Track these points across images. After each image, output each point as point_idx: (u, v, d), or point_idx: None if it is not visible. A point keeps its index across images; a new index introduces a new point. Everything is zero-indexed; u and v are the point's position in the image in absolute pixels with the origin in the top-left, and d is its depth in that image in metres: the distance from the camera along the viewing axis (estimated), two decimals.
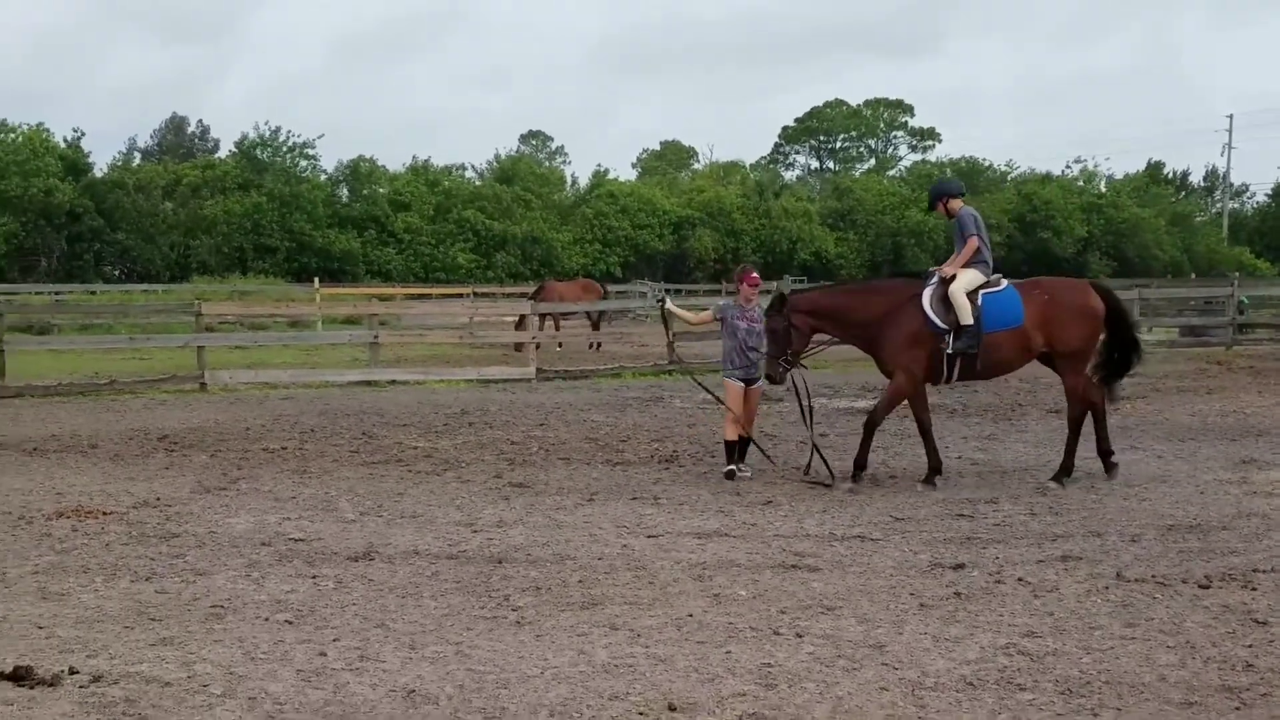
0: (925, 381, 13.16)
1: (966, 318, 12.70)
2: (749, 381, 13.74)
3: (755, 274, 14.12)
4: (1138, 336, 13.55)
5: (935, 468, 12.95)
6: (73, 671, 6.60)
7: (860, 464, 12.94)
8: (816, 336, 13.45)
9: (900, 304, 12.97)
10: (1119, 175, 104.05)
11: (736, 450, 13.63)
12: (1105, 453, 13.13)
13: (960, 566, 9.03)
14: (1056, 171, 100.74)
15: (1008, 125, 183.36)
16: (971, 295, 12.85)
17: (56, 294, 50.42)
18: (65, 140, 64.64)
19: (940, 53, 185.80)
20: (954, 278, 12.96)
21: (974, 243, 13.20)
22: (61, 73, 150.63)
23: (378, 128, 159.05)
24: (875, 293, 13.35)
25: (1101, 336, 13.20)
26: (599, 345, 34.28)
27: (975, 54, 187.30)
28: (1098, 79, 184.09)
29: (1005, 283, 13.17)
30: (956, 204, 13.70)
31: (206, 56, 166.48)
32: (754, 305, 13.85)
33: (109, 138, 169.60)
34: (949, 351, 12.76)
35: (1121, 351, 13.34)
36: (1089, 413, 13.15)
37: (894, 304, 13.01)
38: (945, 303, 12.79)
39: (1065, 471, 12.88)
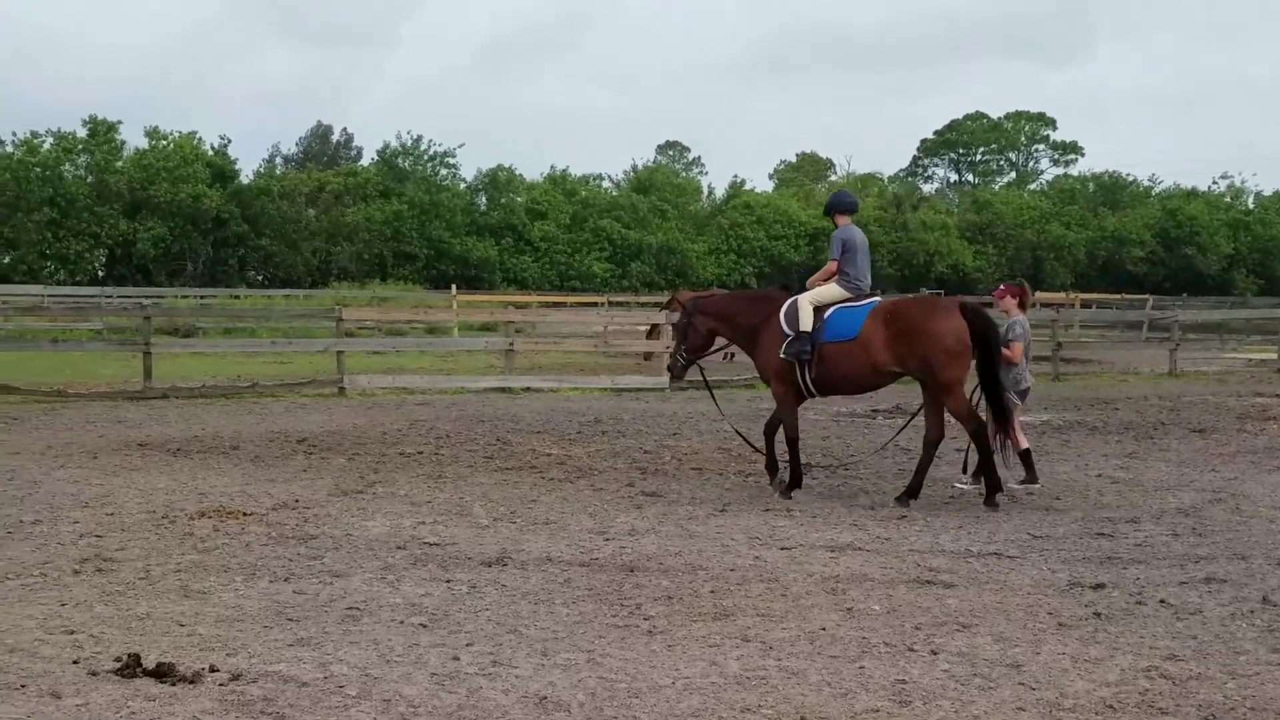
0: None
1: (801, 326, 12.84)
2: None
3: (1002, 287, 14.50)
4: (997, 375, 12.64)
5: (795, 480, 13.09)
6: (213, 669, 6.70)
7: (772, 469, 13.38)
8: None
9: (771, 313, 13.23)
10: (1267, 191, 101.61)
11: (1025, 461, 13.64)
12: (990, 483, 12.50)
13: (1100, 586, 8.84)
14: (1202, 187, 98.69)
15: (1153, 138, 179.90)
16: (821, 309, 12.93)
17: (201, 298, 51.59)
18: (213, 147, 66.14)
19: (1086, 61, 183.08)
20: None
21: (831, 266, 13.21)
22: (209, 78, 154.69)
23: (517, 136, 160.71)
24: (758, 301, 13.76)
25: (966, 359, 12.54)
26: (732, 355, 34.15)
27: (1121, 63, 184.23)
28: (1247, 91, 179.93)
29: (868, 301, 12.99)
30: (841, 220, 13.41)
31: (350, 64, 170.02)
32: (1013, 318, 13.89)
33: (253, 142, 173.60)
34: (781, 355, 12.95)
35: (984, 383, 12.74)
36: (976, 435, 12.65)
37: (768, 313, 13.29)
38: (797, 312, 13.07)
39: (994, 488, 12.47)
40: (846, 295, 13.00)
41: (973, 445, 13.22)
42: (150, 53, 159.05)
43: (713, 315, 13.78)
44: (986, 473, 12.54)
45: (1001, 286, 14.62)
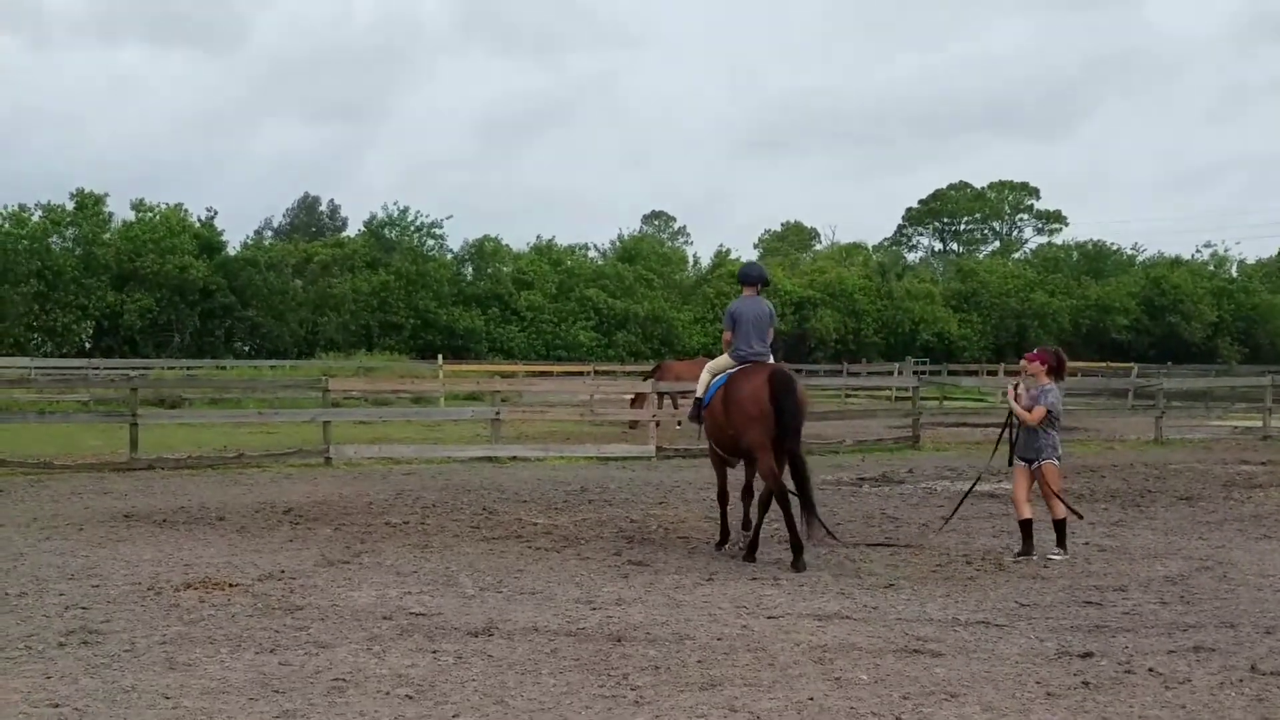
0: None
1: (698, 393, 14.20)
2: (1027, 461, 13.58)
3: (1034, 352, 14.22)
4: (794, 448, 12.90)
5: (723, 536, 14.01)
6: None
7: (724, 533, 14.04)
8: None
9: None
10: (1250, 260, 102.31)
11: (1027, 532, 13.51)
12: (793, 545, 12.84)
13: (1088, 655, 8.83)
14: (1186, 256, 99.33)
15: (1138, 209, 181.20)
16: (715, 377, 13.93)
17: (188, 369, 51.59)
18: (199, 219, 66.35)
19: (1071, 137, 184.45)
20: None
21: (726, 336, 14.03)
22: (202, 154, 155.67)
23: (504, 208, 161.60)
24: (699, 367, 15.08)
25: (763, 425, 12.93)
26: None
27: (1107, 138, 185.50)
28: (1233, 166, 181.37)
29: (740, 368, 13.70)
30: (746, 291, 14.21)
31: (344, 141, 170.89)
32: (1044, 385, 13.64)
33: (247, 217, 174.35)
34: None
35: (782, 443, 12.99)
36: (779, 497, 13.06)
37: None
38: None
39: (747, 548, 13.27)
40: (731, 364, 13.76)
41: (1056, 517, 13.42)
42: (142, 129, 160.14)
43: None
44: (790, 534, 13.00)
45: (1036, 350, 14.41)
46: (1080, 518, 14.23)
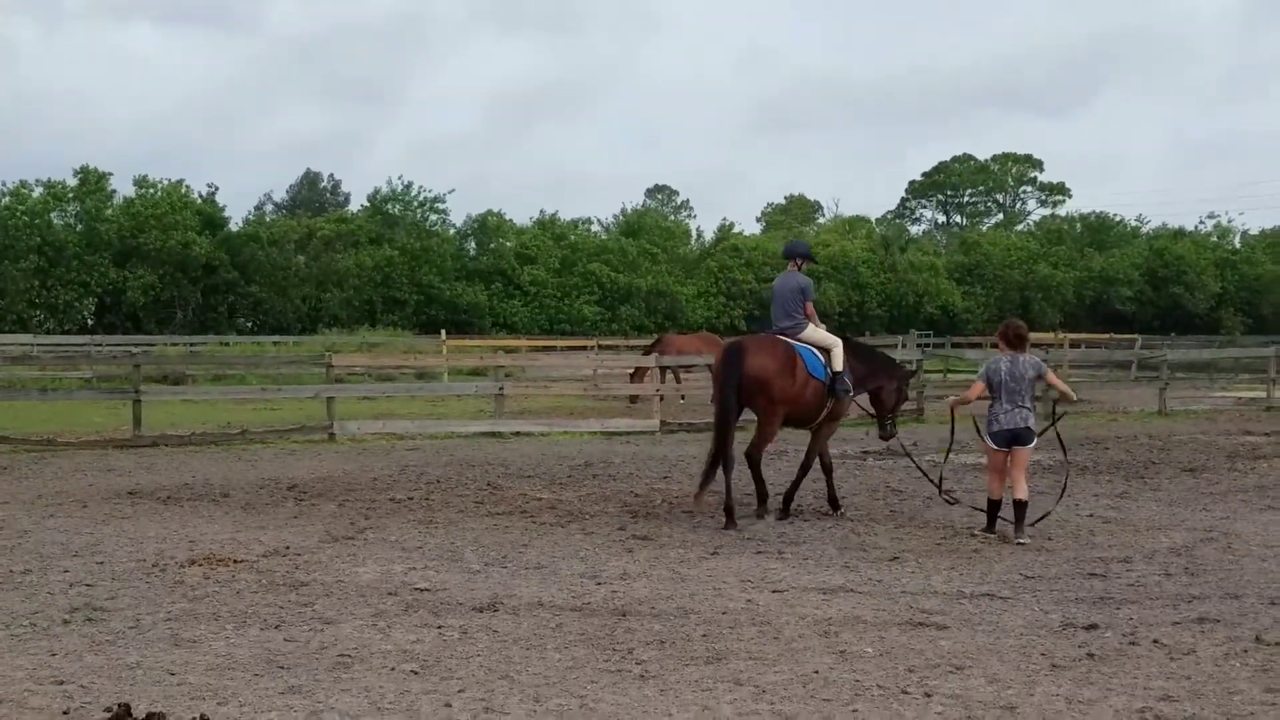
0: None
1: None
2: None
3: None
4: (739, 404, 14.05)
5: (760, 499, 14.55)
6: (204, 718, 6.67)
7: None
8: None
9: None
10: (1254, 231, 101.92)
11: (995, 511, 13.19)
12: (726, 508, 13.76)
13: (1093, 627, 8.83)
14: (1189, 227, 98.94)
15: (1144, 183, 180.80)
16: None
17: (191, 345, 51.47)
18: (201, 195, 66.12)
19: (1079, 114, 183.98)
20: None
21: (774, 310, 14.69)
22: (205, 133, 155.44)
23: (509, 184, 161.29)
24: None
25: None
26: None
27: (1115, 114, 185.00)
28: (1241, 140, 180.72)
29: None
30: (788, 267, 14.80)
31: (350, 120, 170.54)
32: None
33: (250, 194, 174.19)
34: None
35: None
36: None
37: None
38: None
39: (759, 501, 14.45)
40: None
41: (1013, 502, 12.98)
42: (147, 109, 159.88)
43: None
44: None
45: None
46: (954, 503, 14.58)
